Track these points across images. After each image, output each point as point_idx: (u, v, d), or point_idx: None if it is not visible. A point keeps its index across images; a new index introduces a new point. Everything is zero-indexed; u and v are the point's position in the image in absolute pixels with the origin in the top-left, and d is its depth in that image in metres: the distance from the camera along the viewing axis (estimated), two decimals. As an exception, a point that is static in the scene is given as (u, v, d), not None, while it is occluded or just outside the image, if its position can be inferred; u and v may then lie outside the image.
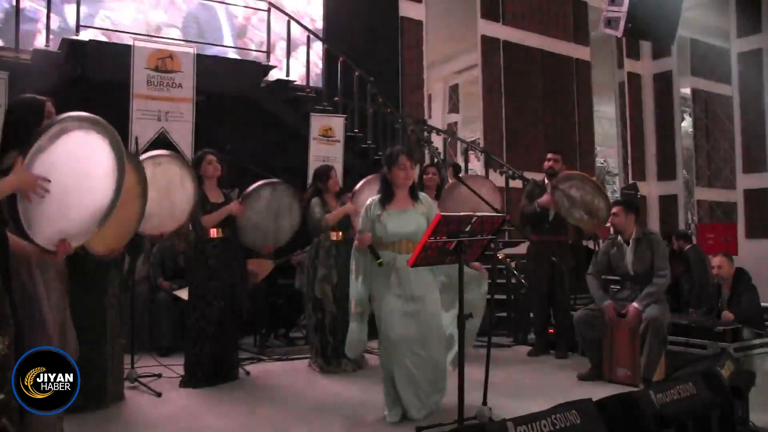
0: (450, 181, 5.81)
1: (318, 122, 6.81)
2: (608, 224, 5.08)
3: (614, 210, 4.78)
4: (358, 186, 5.28)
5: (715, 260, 5.20)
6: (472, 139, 10.88)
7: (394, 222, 3.55)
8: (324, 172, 5.00)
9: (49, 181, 2.28)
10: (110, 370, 3.77)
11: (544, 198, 5.47)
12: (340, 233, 4.89)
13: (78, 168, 2.45)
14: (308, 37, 7.64)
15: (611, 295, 4.78)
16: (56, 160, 2.34)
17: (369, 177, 5.27)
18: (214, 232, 4.45)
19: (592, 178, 6.10)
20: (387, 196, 3.63)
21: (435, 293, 3.63)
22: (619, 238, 4.73)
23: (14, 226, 2.30)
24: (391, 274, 3.51)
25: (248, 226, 4.74)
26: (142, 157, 4.13)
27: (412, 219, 3.58)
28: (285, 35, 7.66)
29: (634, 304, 4.41)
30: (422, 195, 3.76)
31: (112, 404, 3.78)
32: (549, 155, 5.74)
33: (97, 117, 2.53)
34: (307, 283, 5.03)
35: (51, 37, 6.43)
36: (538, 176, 6.11)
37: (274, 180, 5.01)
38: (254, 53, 8.20)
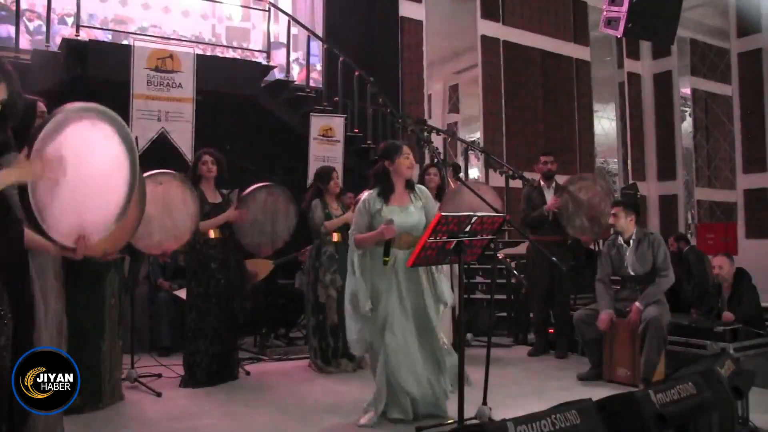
0: (450, 180, 5.81)
1: (318, 122, 6.81)
2: (609, 220, 5.05)
3: (613, 211, 4.76)
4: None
5: (716, 260, 5.20)
6: (472, 139, 10.88)
7: (397, 216, 3.49)
8: (326, 174, 4.99)
9: (64, 159, 2.15)
10: (106, 371, 3.74)
11: (551, 203, 5.47)
12: (340, 234, 4.89)
13: (89, 158, 2.34)
14: (308, 37, 7.63)
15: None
16: (65, 150, 2.20)
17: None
18: (212, 233, 4.45)
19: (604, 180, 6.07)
20: (387, 190, 3.57)
21: (429, 290, 3.60)
22: (620, 239, 4.72)
23: (28, 221, 2.19)
24: (392, 270, 3.47)
25: (245, 229, 4.72)
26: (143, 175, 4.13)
27: (412, 213, 3.56)
28: (285, 35, 7.66)
29: (637, 304, 4.41)
30: (419, 187, 3.72)
31: (111, 404, 3.77)
32: (542, 158, 5.75)
33: (103, 107, 2.43)
34: (307, 285, 5.03)
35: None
36: (537, 176, 6.11)
37: (270, 183, 4.97)
38: (254, 53, 8.20)
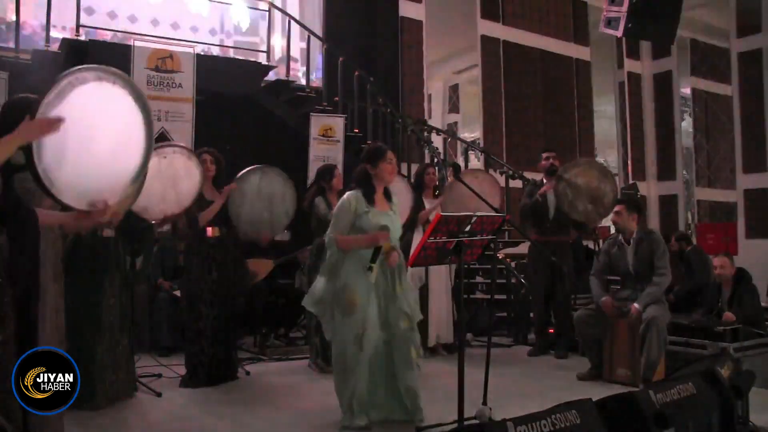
0: (450, 180, 5.81)
1: (318, 122, 6.81)
2: (611, 218, 5.05)
3: (617, 209, 4.76)
4: None
5: (717, 260, 5.21)
6: (472, 139, 10.88)
7: (383, 220, 3.46)
8: (328, 171, 4.99)
9: (63, 119, 2.09)
10: (102, 370, 3.72)
11: (545, 186, 5.47)
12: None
13: (98, 120, 2.29)
14: (308, 37, 7.64)
15: (611, 293, 4.77)
16: (71, 112, 2.15)
17: None
18: (210, 231, 4.45)
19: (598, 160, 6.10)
20: (369, 193, 3.50)
21: (411, 293, 3.60)
22: (620, 237, 4.72)
23: (37, 186, 2.16)
24: (372, 277, 3.39)
25: (242, 216, 4.61)
26: None
27: (393, 219, 3.53)
28: (285, 35, 7.66)
29: (635, 305, 4.41)
30: (393, 196, 3.68)
31: (119, 402, 3.79)
32: (544, 154, 5.74)
33: (112, 68, 2.36)
34: (308, 284, 5.02)
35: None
36: (538, 176, 6.12)
37: (263, 165, 4.85)
38: (254, 53, 8.20)
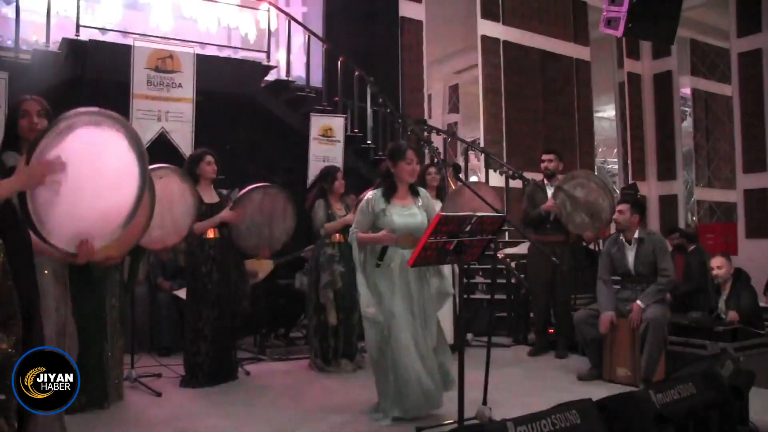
0: (450, 181, 5.81)
1: (318, 122, 6.81)
2: (613, 221, 5.05)
3: (621, 207, 4.75)
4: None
5: (715, 261, 5.21)
6: (472, 139, 10.88)
7: (400, 216, 3.55)
8: (330, 173, 4.97)
9: (64, 164, 2.12)
10: (109, 372, 3.75)
11: (548, 204, 5.48)
12: (342, 235, 4.87)
13: (93, 164, 2.30)
14: (308, 37, 7.64)
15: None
16: (67, 156, 2.18)
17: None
18: (210, 233, 4.44)
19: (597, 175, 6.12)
20: (390, 190, 3.60)
21: (429, 289, 3.63)
22: (621, 237, 4.72)
23: (28, 226, 2.18)
24: (393, 270, 3.50)
25: (242, 231, 4.62)
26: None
27: (415, 214, 3.60)
28: (285, 35, 7.66)
29: (638, 302, 4.41)
30: (421, 190, 3.76)
31: (112, 404, 3.77)
32: (543, 156, 5.75)
33: (110, 112, 2.39)
34: (309, 285, 5.03)
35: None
36: (538, 176, 6.12)
37: (266, 184, 4.87)
38: (254, 53, 8.19)
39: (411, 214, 3.58)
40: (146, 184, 2.48)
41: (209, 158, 4.48)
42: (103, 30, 7.18)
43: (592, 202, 5.39)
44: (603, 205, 5.37)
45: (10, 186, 2.06)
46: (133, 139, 2.42)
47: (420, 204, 3.65)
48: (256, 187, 4.76)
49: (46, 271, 2.74)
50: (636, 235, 4.63)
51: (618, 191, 10.67)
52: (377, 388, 3.60)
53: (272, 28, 7.73)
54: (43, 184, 2.13)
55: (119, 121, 2.40)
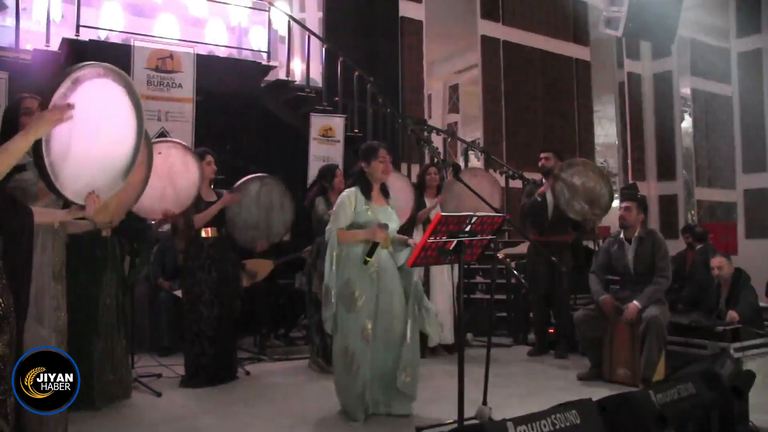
0: (449, 179, 5.80)
1: (318, 122, 6.81)
2: (611, 221, 5.07)
3: (627, 204, 4.75)
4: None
5: (715, 261, 5.21)
6: (472, 139, 10.88)
7: (383, 215, 3.60)
8: (330, 171, 4.99)
9: (72, 105, 2.17)
10: (99, 371, 3.71)
11: (544, 186, 5.48)
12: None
13: (99, 116, 2.40)
14: (308, 37, 7.63)
15: (611, 293, 4.76)
16: (79, 108, 2.22)
17: None
18: (207, 232, 4.45)
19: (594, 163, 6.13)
20: (366, 190, 3.62)
21: (400, 288, 3.63)
22: (621, 235, 4.72)
23: (42, 179, 2.28)
24: (370, 268, 3.51)
25: (239, 223, 4.62)
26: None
27: (391, 214, 3.66)
28: (285, 35, 7.65)
29: (635, 302, 4.41)
30: (391, 193, 3.81)
31: (118, 403, 3.78)
32: (541, 154, 5.76)
33: (110, 65, 2.48)
34: (308, 283, 5.02)
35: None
36: (538, 176, 6.12)
37: (262, 174, 4.88)
38: (254, 53, 8.19)
39: (387, 214, 3.65)
40: (142, 134, 2.59)
41: (209, 158, 4.48)
42: (103, 30, 7.18)
43: (590, 189, 5.39)
44: (602, 192, 5.37)
45: (25, 135, 2.09)
46: (131, 92, 2.53)
47: (391, 205, 3.73)
48: (253, 177, 4.76)
49: (45, 268, 2.74)
50: (636, 234, 4.63)
51: (618, 191, 10.67)
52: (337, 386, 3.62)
53: (282, 33, 7.72)
54: (55, 126, 2.15)
55: (119, 74, 2.51)
